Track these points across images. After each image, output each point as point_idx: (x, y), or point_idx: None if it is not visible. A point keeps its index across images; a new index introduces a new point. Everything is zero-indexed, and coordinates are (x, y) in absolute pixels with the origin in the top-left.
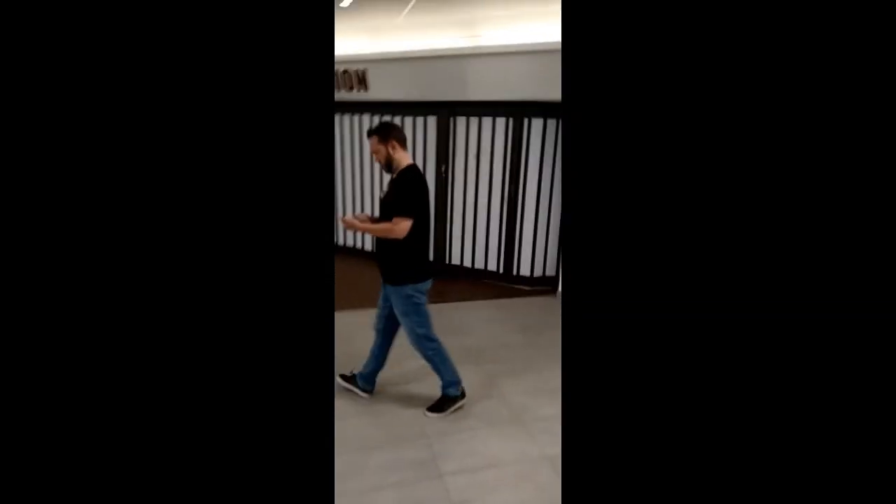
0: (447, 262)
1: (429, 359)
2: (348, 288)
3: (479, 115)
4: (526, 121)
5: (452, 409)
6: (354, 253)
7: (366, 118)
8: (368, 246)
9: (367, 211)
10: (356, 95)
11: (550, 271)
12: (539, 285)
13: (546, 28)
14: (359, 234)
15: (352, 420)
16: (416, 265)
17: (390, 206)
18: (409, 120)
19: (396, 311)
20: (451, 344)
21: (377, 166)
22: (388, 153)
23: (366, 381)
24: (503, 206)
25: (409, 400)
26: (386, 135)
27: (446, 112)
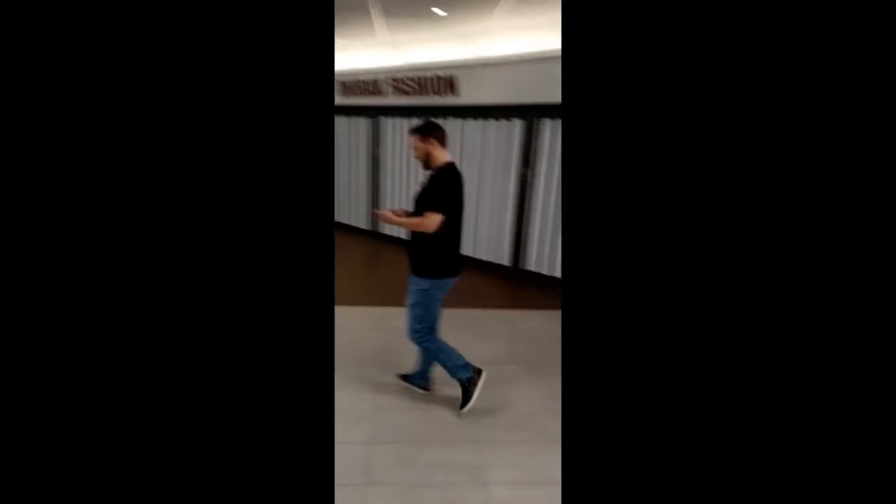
0: (522, 267)
1: (425, 350)
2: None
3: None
4: None
5: (477, 390)
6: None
7: (456, 123)
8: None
9: None
10: (445, 100)
11: None
12: None
13: None
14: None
15: (406, 413)
16: (439, 261)
17: (423, 201)
18: (492, 123)
19: (407, 300)
20: (515, 352)
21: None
22: (428, 151)
23: (422, 379)
24: None
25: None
26: (426, 133)
27: (531, 115)
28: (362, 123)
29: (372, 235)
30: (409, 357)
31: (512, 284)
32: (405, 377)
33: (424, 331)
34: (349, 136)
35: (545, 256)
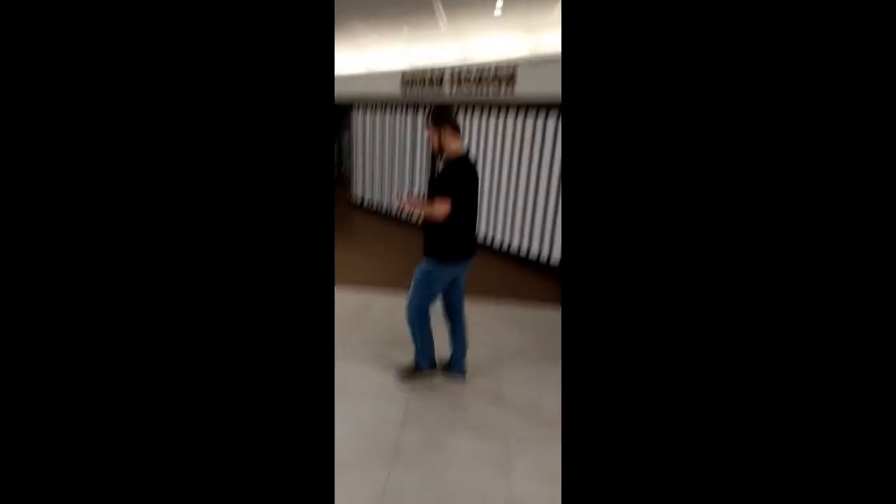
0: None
1: (411, 326)
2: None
3: None
4: None
5: (416, 377)
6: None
7: (510, 118)
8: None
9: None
10: (503, 97)
11: None
12: None
13: None
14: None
15: (438, 400)
16: (446, 245)
17: (435, 189)
18: (551, 119)
19: (414, 277)
20: (555, 350)
21: (511, 163)
22: (440, 138)
23: (456, 366)
24: None
25: (499, 397)
26: (438, 121)
27: None
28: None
29: None
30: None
31: (547, 280)
32: (444, 368)
33: (421, 314)
34: (412, 130)
35: None
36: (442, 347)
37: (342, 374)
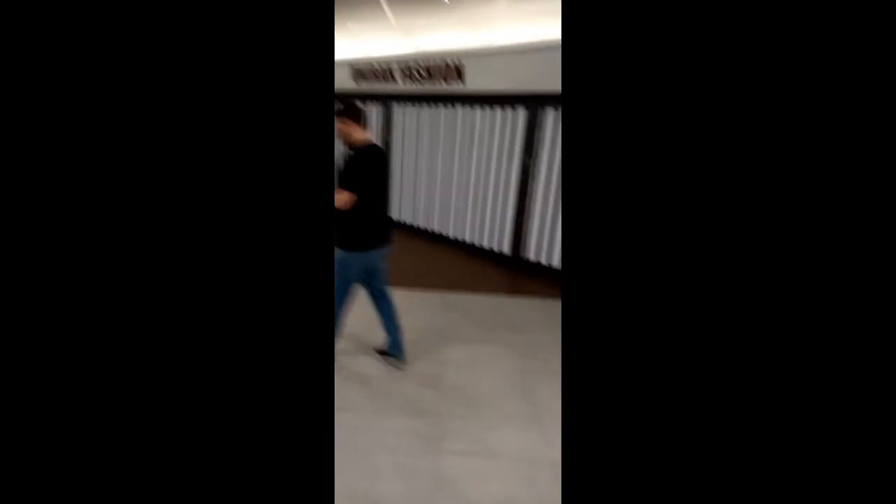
0: (523, 256)
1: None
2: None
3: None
4: None
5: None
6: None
7: (463, 110)
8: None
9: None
10: (453, 88)
11: None
12: None
13: None
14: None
15: (379, 385)
16: (351, 235)
17: (340, 179)
18: (497, 111)
19: None
20: (502, 339)
21: (474, 156)
22: (345, 131)
23: (394, 351)
24: None
25: (436, 379)
26: (341, 114)
27: (535, 104)
28: (375, 110)
29: None
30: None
31: (510, 272)
32: (381, 352)
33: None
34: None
35: (544, 246)
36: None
37: None
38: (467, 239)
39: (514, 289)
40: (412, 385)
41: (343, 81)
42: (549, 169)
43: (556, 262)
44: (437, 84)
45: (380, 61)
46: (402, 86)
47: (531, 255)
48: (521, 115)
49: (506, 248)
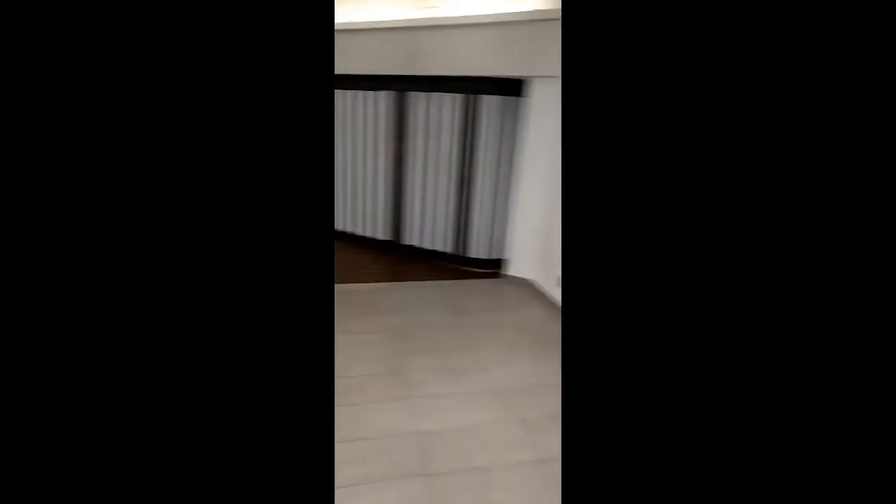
0: (402, 242)
1: None
2: None
3: (433, 91)
4: (478, 98)
5: None
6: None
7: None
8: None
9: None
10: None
11: (499, 253)
12: (488, 267)
13: None
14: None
15: None
16: None
17: None
18: (361, 95)
19: None
20: (375, 323)
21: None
22: None
23: None
24: (456, 185)
25: None
26: None
27: (400, 87)
28: None
29: None
30: None
31: (393, 259)
32: None
33: None
34: None
35: (426, 231)
36: None
37: None
38: (347, 229)
39: (396, 275)
40: None
41: None
42: (419, 154)
43: (439, 245)
44: None
45: None
46: None
47: (410, 240)
48: (386, 98)
49: (387, 235)
